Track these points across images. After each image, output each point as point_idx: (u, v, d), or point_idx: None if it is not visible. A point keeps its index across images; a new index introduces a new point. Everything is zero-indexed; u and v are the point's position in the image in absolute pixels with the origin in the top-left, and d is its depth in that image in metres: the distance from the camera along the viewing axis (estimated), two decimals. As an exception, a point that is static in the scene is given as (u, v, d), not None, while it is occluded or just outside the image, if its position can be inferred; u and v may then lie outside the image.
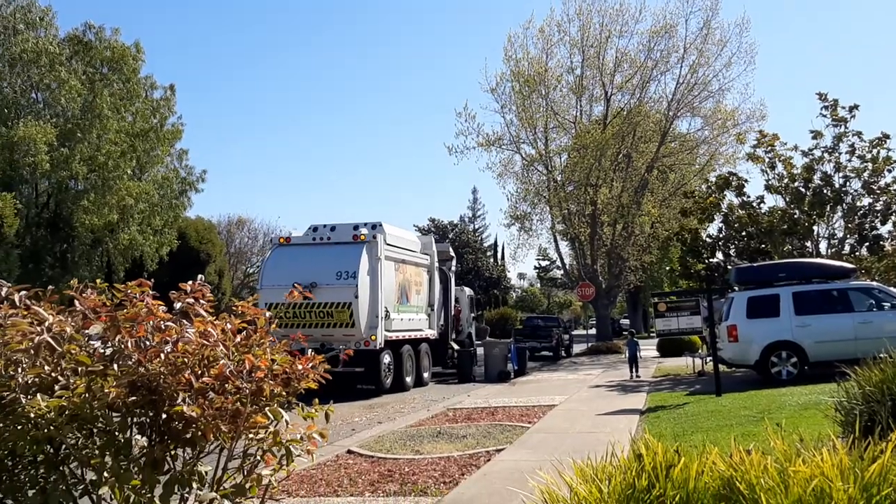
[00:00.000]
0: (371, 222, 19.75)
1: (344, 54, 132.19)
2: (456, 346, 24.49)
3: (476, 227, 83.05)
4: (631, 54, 37.80)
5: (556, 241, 41.81)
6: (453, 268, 25.35)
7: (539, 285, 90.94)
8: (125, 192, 32.26)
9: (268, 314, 4.50)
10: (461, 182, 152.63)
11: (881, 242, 22.95)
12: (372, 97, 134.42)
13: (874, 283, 18.23)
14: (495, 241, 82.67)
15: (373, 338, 18.50)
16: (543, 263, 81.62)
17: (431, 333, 22.38)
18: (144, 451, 4.13)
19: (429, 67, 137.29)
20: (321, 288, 18.00)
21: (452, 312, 24.71)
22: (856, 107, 23.57)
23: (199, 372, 4.11)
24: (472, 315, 27.89)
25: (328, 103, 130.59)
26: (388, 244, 19.64)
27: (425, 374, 21.62)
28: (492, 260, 76.39)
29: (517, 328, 38.86)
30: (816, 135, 23.73)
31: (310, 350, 17.28)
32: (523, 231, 39.49)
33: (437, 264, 23.08)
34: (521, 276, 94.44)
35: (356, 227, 19.36)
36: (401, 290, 20.52)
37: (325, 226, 19.84)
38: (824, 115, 23.83)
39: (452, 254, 26.02)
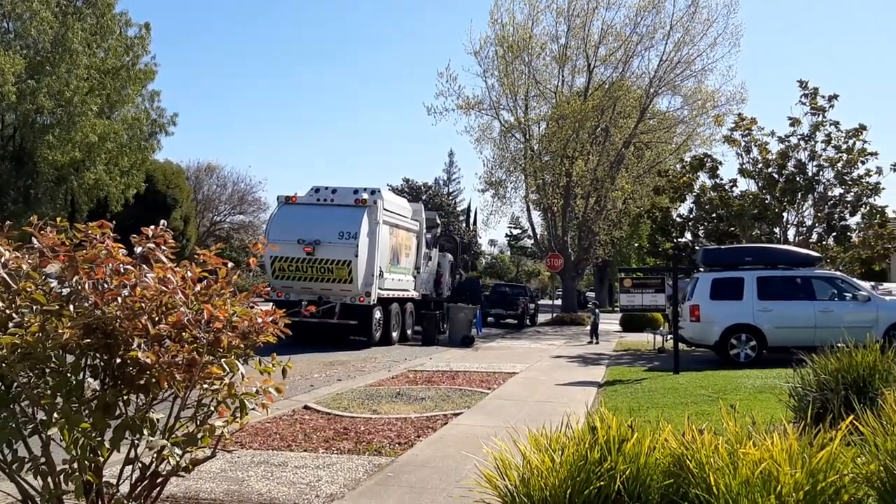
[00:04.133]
0: (370, 188, 21.21)
1: (325, 5, 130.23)
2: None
3: (451, 190, 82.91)
4: (617, 27, 37.59)
5: (528, 210, 41.86)
6: (438, 234, 27.33)
7: (509, 253, 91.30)
8: (90, 129, 31.58)
9: (230, 265, 4.43)
10: (438, 144, 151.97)
11: (848, 233, 23.22)
12: (351, 50, 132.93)
13: (838, 273, 18.51)
14: (468, 206, 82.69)
15: (367, 294, 20.15)
16: (515, 232, 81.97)
17: (416, 294, 24.12)
18: (96, 394, 4.08)
19: (412, 25, 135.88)
20: (324, 245, 19.79)
21: (435, 276, 26.40)
22: (835, 97, 23.69)
23: (157, 318, 4.04)
24: (452, 280, 28.70)
25: (305, 55, 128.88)
26: (386, 209, 21.12)
27: (408, 332, 23.31)
28: (464, 225, 76.39)
29: (484, 294, 39.05)
30: (794, 122, 23.84)
31: (305, 301, 18.12)
32: (497, 198, 39.51)
33: (425, 231, 24.69)
34: (492, 242, 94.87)
35: (357, 192, 20.83)
36: (393, 252, 22.06)
37: (326, 188, 21.20)
38: (804, 103, 23.93)
39: (438, 222, 28.08)
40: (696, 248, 23.20)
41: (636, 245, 42.44)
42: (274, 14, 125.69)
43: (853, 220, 23.56)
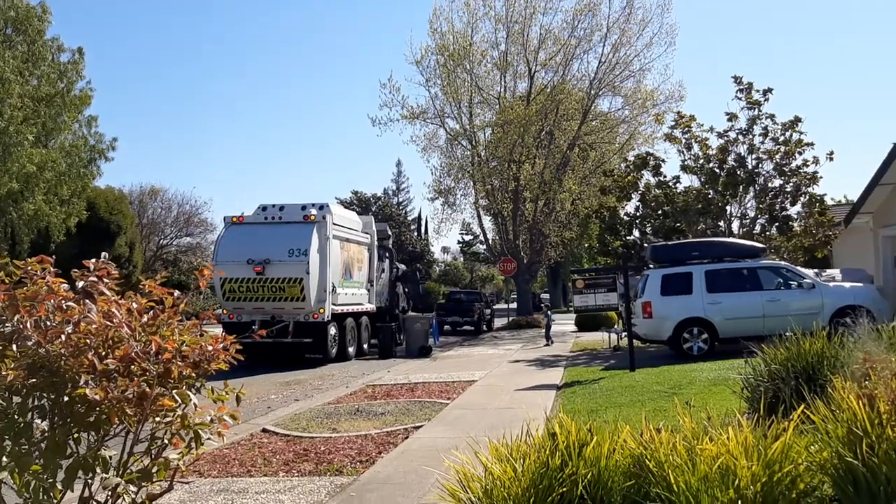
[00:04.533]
0: (318, 203, 21.03)
1: (263, 20, 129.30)
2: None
3: (400, 200, 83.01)
4: (555, 31, 38.09)
5: (479, 215, 42.08)
6: (390, 246, 27.24)
7: (462, 259, 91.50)
8: (27, 159, 30.75)
9: (176, 293, 4.35)
10: (385, 154, 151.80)
11: (790, 223, 23.67)
12: (292, 65, 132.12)
13: (782, 263, 18.91)
14: (419, 215, 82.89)
15: (321, 311, 19.98)
16: (467, 238, 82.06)
17: (371, 307, 24.02)
18: (45, 434, 3.98)
19: (353, 37, 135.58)
20: (274, 264, 19.60)
21: (389, 287, 26.26)
22: (769, 90, 24.20)
23: (103, 353, 3.95)
24: (406, 290, 28.64)
25: (244, 70, 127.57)
26: (335, 224, 20.99)
27: (365, 346, 23.21)
28: (415, 234, 76.43)
29: (440, 302, 39.14)
30: (731, 117, 24.28)
31: (256, 322, 17.82)
32: (447, 205, 39.72)
33: (376, 242, 24.62)
34: (445, 249, 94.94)
35: (304, 208, 20.58)
36: (345, 266, 21.94)
37: (273, 205, 21.02)
38: (739, 98, 24.37)
39: (389, 233, 27.99)
40: (645, 245, 23.49)
41: (587, 245, 42.86)
42: (210, 31, 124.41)
43: (794, 210, 24.05)
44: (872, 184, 21.45)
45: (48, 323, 3.91)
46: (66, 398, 3.89)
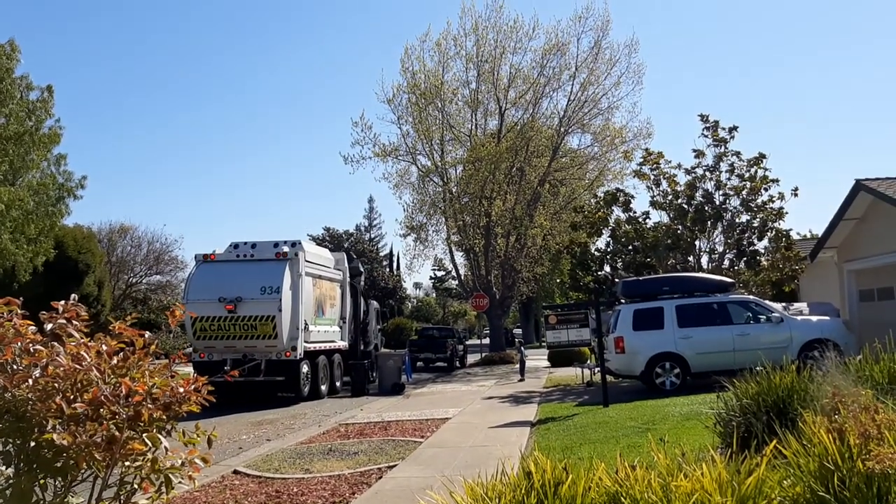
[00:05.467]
0: (290, 241, 20.98)
1: (235, 60, 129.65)
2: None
3: (372, 236, 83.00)
4: (524, 71, 38.54)
5: (451, 251, 42.11)
6: (362, 283, 27.14)
7: (434, 295, 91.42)
8: (-6, 198, 30.29)
9: (147, 335, 4.30)
10: (358, 191, 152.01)
11: (758, 257, 23.98)
12: (264, 103, 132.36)
13: (751, 297, 19.12)
14: (391, 251, 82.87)
15: (293, 349, 19.80)
16: (439, 274, 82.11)
17: (343, 345, 23.89)
18: (10, 481, 3.89)
19: (325, 76, 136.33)
20: (246, 302, 19.44)
21: (361, 325, 25.99)
22: (735, 128, 24.67)
23: (72, 397, 3.89)
24: (378, 327, 28.45)
25: (217, 107, 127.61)
26: (308, 261, 20.93)
27: (337, 384, 23.03)
28: (388, 270, 76.35)
29: (412, 339, 39.01)
30: (699, 154, 24.69)
31: (228, 361, 17.36)
32: (419, 241, 39.67)
33: (348, 279, 24.61)
34: (417, 285, 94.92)
35: (277, 245, 20.56)
36: (317, 303, 21.82)
37: (245, 243, 20.93)
38: (706, 136, 24.80)
39: (362, 269, 27.65)
40: (616, 280, 23.63)
41: (558, 280, 43.06)
42: (181, 71, 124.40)
43: (761, 245, 24.38)
44: (836, 219, 21.85)
45: (15, 366, 3.85)
46: (32, 443, 3.82)
